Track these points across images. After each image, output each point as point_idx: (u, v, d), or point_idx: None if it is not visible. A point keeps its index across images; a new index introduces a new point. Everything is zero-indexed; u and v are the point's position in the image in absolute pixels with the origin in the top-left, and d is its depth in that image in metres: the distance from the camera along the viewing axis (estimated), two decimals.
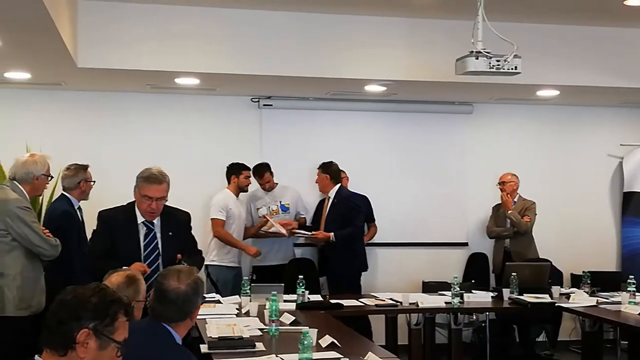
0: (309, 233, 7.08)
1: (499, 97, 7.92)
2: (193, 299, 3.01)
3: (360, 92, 7.48)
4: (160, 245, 4.58)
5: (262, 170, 7.35)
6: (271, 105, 7.85)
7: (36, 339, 2.33)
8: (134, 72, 6.48)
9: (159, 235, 4.60)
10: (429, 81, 6.86)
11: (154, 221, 4.61)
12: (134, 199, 4.67)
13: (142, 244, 4.55)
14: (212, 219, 7.06)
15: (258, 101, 7.84)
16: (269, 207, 7.38)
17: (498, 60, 5.48)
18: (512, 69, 5.53)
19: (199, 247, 5.07)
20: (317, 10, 6.55)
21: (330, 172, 7.12)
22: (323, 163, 7.20)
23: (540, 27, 6.89)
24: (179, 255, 4.51)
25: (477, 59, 5.46)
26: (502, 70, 5.52)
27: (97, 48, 6.21)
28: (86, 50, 6.16)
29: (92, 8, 6.16)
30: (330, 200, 7.10)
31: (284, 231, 7.08)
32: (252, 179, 7.36)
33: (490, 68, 5.49)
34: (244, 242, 7.16)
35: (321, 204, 7.38)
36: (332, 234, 6.91)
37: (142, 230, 4.58)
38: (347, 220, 6.96)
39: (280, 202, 7.43)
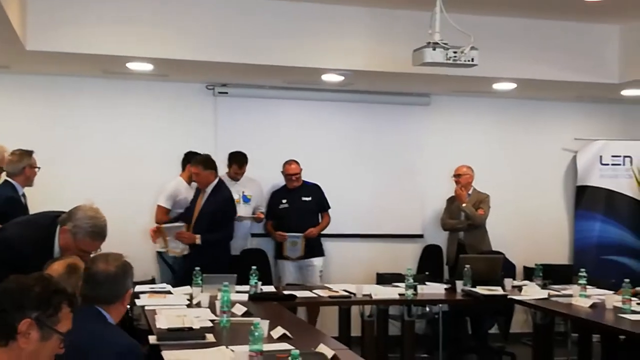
0: (178, 224, 6.54)
1: (456, 89, 7.94)
2: (122, 280, 3.02)
3: (318, 82, 7.42)
4: None
5: (243, 161, 7.31)
6: (227, 93, 7.76)
7: None
8: (85, 56, 6.32)
9: None
10: (387, 72, 6.82)
11: None
12: (47, 216, 4.04)
13: None
14: (157, 205, 7.02)
15: (213, 89, 7.74)
16: None
17: (455, 52, 5.49)
18: (468, 60, 5.54)
19: None
20: None
21: (214, 167, 6.62)
22: (202, 159, 6.62)
23: (498, 20, 6.90)
24: None
25: (434, 50, 5.47)
26: (459, 62, 5.53)
27: (47, 30, 6.04)
28: (35, 32, 5.98)
29: None
30: (207, 195, 6.58)
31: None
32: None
33: (447, 59, 5.49)
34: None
35: (198, 191, 6.77)
36: (199, 236, 6.37)
37: None
38: (218, 221, 6.51)
39: (243, 192, 7.37)
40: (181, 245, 6.45)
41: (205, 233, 6.41)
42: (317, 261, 7.38)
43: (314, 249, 7.40)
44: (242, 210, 7.30)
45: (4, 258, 3.81)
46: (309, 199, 7.48)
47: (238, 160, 7.31)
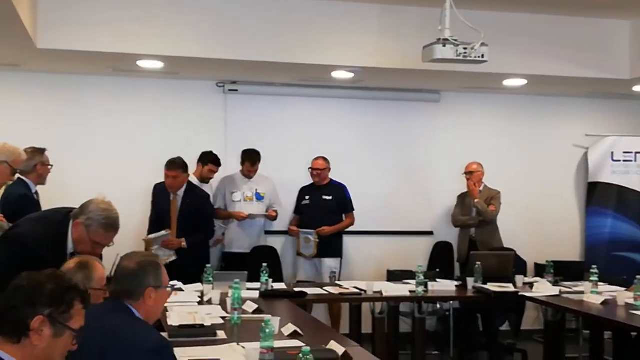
0: (164, 233, 6.42)
1: (466, 86, 7.91)
2: (140, 276, 3.02)
3: (328, 79, 7.41)
4: None
5: (256, 159, 7.31)
6: (237, 90, 7.76)
7: None
8: (95, 54, 6.33)
9: None
10: (397, 68, 6.80)
11: None
12: (59, 212, 4.06)
13: None
14: None
15: (223, 86, 7.75)
16: (244, 193, 7.33)
17: (465, 48, 5.47)
18: (479, 57, 5.52)
19: None
20: None
21: (187, 171, 6.61)
22: (181, 163, 6.53)
23: (508, 16, 6.87)
24: None
25: (444, 46, 5.45)
26: (469, 58, 5.51)
27: (58, 29, 6.05)
28: (46, 30, 6.00)
29: None
30: (181, 197, 6.57)
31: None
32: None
33: (457, 56, 5.47)
34: None
35: (164, 196, 6.66)
36: (184, 240, 6.41)
37: None
38: (199, 222, 6.56)
39: (257, 190, 7.37)
40: (167, 252, 6.43)
41: (188, 235, 6.45)
42: (329, 261, 7.32)
43: (329, 248, 7.34)
44: (255, 208, 7.31)
45: (18, 255, 3.82)
46: (330, 198, 7.44)
47: (251, 158, 7.31)
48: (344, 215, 7.53)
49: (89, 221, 3.85)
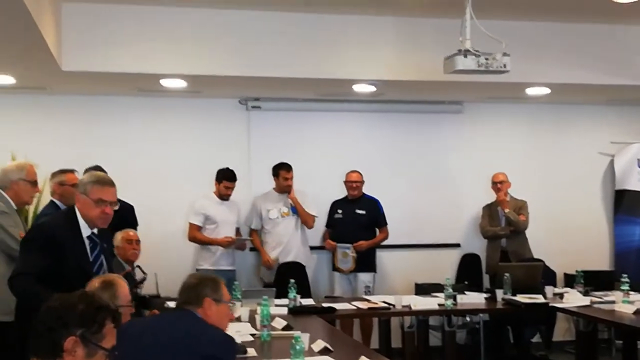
0: None
1: (489, 96, 7.88)
2: (199, 288, 3.28)
3: (349, 93, 7.42)
4: (104, 261, 4.13)
5: (289, 166, 7.28)
6: (259, 107, 7.79)
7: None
8: (119, 75, 6.40)
9: (98, 248, 4.11)
10: (418, 80, 6.80)
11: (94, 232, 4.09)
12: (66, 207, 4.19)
13: (91, 262, 4.04)
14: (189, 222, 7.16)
15: (246, 103, 7.78)
16: (280, 209, 7.31)
17: (487, 59, 5.45)
18: (501, 67, 5.49)
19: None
20: (304, 11, 6.50)
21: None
22: (100, 168, 6.21)
23: (529, 25, 6.85)
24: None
25: (465, 57, 5.43)
26: (491, 68, 5.48)
27: (82, 51, 6.13)
28: (71, 53, 6.08)
29: (76, 10, 6.08)
30: None
31: None
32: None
33: (479, 66, 5.45)
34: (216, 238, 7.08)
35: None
36: None
37: (88, 246, 4.02)
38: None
39: (292, 204, 7.33)
40: None
41: None
42: (363, 276, 7.29)
43: (363, 263, 7.30)
44: (293, 222, 7.30)
45: (42, 247, 3.89)
46: (363, 212, 7.41)
47: (284, 166, 7.28)
48: (377, 230, 7.49)
49: (84, 187, 4.04)
